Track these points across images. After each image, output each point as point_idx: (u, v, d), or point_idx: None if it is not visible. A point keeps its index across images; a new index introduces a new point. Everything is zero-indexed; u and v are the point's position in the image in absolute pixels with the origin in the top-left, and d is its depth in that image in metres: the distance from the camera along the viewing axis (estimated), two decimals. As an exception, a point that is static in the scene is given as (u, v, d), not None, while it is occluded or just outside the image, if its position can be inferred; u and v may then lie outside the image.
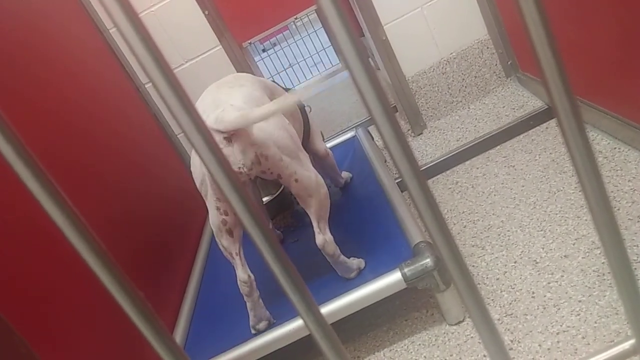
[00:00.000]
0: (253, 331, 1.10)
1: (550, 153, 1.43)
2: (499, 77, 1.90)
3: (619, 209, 1.12)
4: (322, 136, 1.48)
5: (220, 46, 1.90)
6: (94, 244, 0.40)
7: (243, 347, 1.07)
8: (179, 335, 1.23)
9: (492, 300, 1.08)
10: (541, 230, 1.18)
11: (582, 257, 1.06)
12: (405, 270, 1.02)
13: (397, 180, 1.40)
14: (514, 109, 1.73)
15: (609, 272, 1.00)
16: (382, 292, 1.04)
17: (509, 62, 1.87)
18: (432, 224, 0.42)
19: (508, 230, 1.24)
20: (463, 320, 1.07)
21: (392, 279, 1.03)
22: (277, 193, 1.55)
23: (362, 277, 1.09)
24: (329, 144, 1.81)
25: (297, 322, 1.05)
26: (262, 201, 1.52)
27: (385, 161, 1.60)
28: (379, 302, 1.04)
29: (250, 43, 2.11)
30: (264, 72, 3.34)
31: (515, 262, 1.14)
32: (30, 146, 0.37)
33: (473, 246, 1.25)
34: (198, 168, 1.05)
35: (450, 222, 1.38)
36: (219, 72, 1.89)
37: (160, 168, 1.73)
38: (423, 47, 1.84)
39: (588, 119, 1.40)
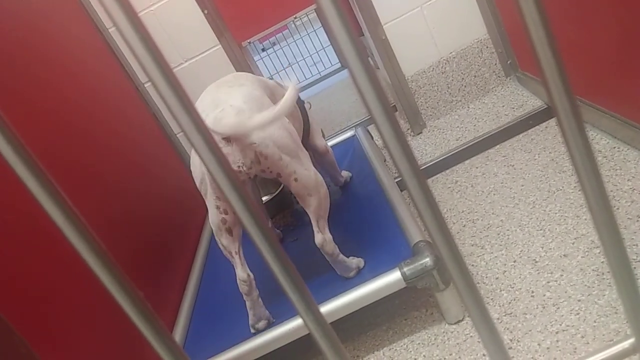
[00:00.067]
0: (252, 330, 1.10)
1: (550, 152, 1.43)
2: (499, 76, 1.90)
3: (618, 208, 1.12)
4: (323, 134, 1.48)
5: (220, 45, 1.90)
6: (93, 244, 0.40)
7: (242, 346, 1.07)
8: (178, 334, 1.23)
9: (492, 299, 1.08)
10: (540, 230, 1.18)
11: (582, 256, 1.06)
12: (405, 269, 1.02)
13: (396, 180, 1.40)
14: (513, 108, 1.73)
15: (608, 271, 1.00)
16: (382, 291, 1.04)
17: (508, 62, 1.87)
18: (432, 223, 0.42)
19: (507, 230, 1.24)
20: (462, 320, 1.07)
21: (391, 278, 1.03)
22: (277, 192, 1.55)
23: (361, 276, 1.09)
24: (329, 144, 1.80)
25: (297, 321, 1.05)
26: (262, 200, 1.52)
27: (385, 160, 1.60)
28: (378, 302, 1.04)
29: (249, 42, 2.11)
30: (264, 71, 3.34)
31: (514, 262, 1.14)
32: (30, 146, 0.37)
33: (472, 245, 1.25)
34: (198, 167, 1.05)
35: (449, 221, 1.38)
36: (219, 71, 1.89)
37: (160, 168, 1.73)
38: (422, 46, 1.84)
39: (588, 118, 1.40)
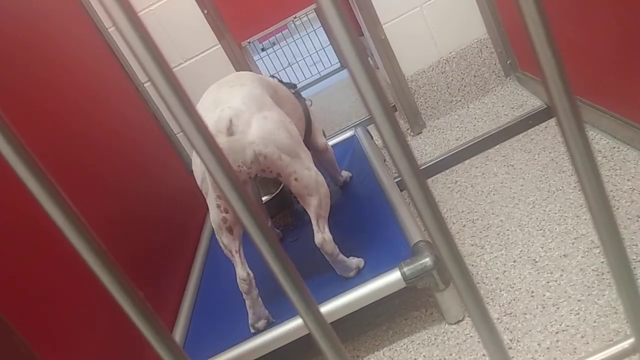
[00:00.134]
0: (252, 330, 1.10)
1: (550, 152, 1.43)
2: (498, 76, 1.90)
3: (618, 208, 1.12)
4: (324, 133, 1.48)
5: (220, 45, 1.90)
6: (94, 244, 0.40)
7: (242, 346, 1.07)
8: (178, 334, 1.23)
9: (492, 299, 1.08)
10: (540, 230, 1.18)
11: (582, 256, 1.06)
12: (405, 269, 1.02)
13: (396, 180, 1.40)
14: (513, 108, 1.73)
15: (608, 271, 1.00)
16: (382, 292, 1.04)
17: (508, 62, 1.87)
18: (432, 223, 0.42)
19: (507, 230, 1.24)
20: (462, 320, 1.07)
21: (391, 278, 1.03)
22: (277, 192, 1.55)
23: (361, 276, 1.09)
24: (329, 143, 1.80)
25: (297, 321, 1.05)
26: (262, 200, 1.52)
27: (385, 160, 1.60)
28: (378, 302, 1.04)
29: (249, 42, 2.11)
30: (263, 71, 3.34)
31: (514, 262, 1.14)
32: (30, 146, 0.37)
33: (472, 245, 1.25)
34: (199, 166, 1.05)
35: (449, 221, 1.38)
36: (218, 71, 1.89)
37: (160, 168, 1.73)
38: (422, 46, 1.84)
39: (587, 118, 1.40)
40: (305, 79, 3.31)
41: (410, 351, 1.07)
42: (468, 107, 1.90)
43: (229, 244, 1.07)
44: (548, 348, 0.92)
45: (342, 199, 1.46)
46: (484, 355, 0.98)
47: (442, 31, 1.83)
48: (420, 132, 1.91)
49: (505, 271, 1.13)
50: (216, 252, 1.52)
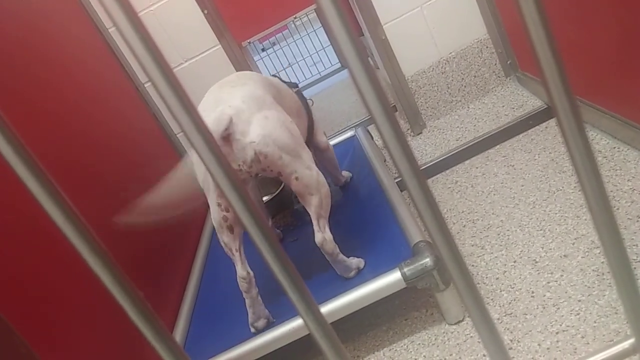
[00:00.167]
0: (252, 329, 1.10)
1: (550, 152, 1.43)
2: (499, 76, 1.90)
3: (618, 209, 1.12)
4: (324, 133, 1.48)
5: (220, 45, 1.90)
6: (94, 244, 0.40)
7: (243, 347, 1.07)
8: (178, 334, 1.23)
9: (492, 299, 1.08)
10: (541, 230, 1.18)
11: (582, 257, 1.06)
12: (405, 269, 1.02)
13: (396, 180, 1.40)
14: (513, 108, 1.73)
15: (608, 272, 1.00)
16: (382, 292, 1.04)
17: (508, 62, 1.87)
18: (432, 223, 0.42)
19: (507, 230, 1.24)
20: (462, 320, 1.07)
21: (391, 278, 1.03)
22: (277, 192, 1.55)
23: (361, 277, 1.09)
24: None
25: (297, 322, 1.05)
26: (262, 200, 1.52)
27: (385, 160, 1.60)
28: (378, 302, 1.04)
29: (249, 42, 2.11)
30: (264, 71, 3.34)
31: (514, 262, 1.14)
32: (30, 146, 0.37)
33: (472, 245, 1.25)
34: (199, 164, 1.05)
35: (449, 221, 1.38)
36: (219, 71, 1.89)
37: (160, 168, 1.73)
38: (422, 46, 1.84)
39: (587, 118, 1.40)
40: (306, 79, 3.31)
41: (411, 351, 1.07)
42: (468, 108, 1.90)
43: (229, 242, 1.07)
44: (548, 348, 0.92)
45: (343, 199, 1.46)
46: (484, 355, 0.98)
47: (442, 31, 1.83)
48: (421, 133, 1.91)
49: (505, 271, 1.13)
50: (216, 253, 1.52)
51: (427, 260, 1.01)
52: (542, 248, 1.13)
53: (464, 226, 1.33)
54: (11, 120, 0.36)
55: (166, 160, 1.83)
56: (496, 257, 1.18)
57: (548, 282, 1.04)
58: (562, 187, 1.28)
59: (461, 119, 1.85)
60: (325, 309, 1.04)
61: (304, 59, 3.39)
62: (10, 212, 0.91)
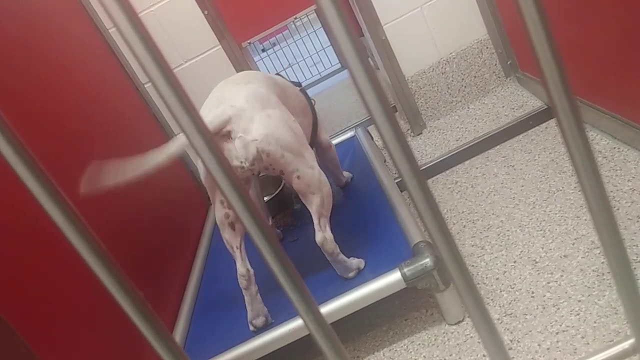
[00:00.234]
0: (250, 327, 1.10)
1: (550, 153, 1.43)
2: (499, 77, 1.90)
3: (618, 209, 1.12)
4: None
5: (220, 46, 1.90)
6: (93, 244, 0.40)
7: (243, 347, 1.07)
8: (178, 334, 1.23)
9: (492, 300, 1.08)
10: (541, 230, 1.18)
11: (582, 257, 1.06)
12: (405, 270, 1.02)
13: (396, 180, 1.40)
14: (513, 108, 1.73)
15: (608, 272, 1.00)
16: (382, 292, 1.04)
17: (508, 62, 1.87)
18: (432, 223, 0.42)
19: (507, 230, 1.24)
20: (462, 320, 1.07)
21: (391, 278, 1.03)
22: (277, 192, 1.55)
23: (361, 277, 1.09)
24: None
25: (297, 322, 1.05)
26: (263, 199, 1.52)
27: (385, 161, 1.60)
28: (378, 302, 1.04)
29: (249, 43, 2.11)
30: (264, 71, 3.34)
31: (514, 262, 1.14)
32: (30, 146, 0.37)
33: (472, 246, 1.25)
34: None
35: (449, 221, 1.38)
36: (219, 72, 1.89)
37: (160, 168, 1.73)
38: (422, 47, 1.84)
39: (587, 118, 1.40)
40: (306, 79, 3.31)
41: (411, 352, 1.07)
42: (468, 108, 1.90)
43: (230, 239, 1.08)
44: (548, 348, 0.92)
45: (343, 200, 1.46)
46: (484, 355, 0.98)
47: (442, 32, 1.83)
48: (421, 133, 1.91)
49: (505, 272, 1.13)
50: (216, 252, 1.52)
51: (427, 261, 1.01)
52: (542, 248, 1.13)
53: (464, 226, 1.33)
54: (11, 120, 0.36)
55: (166, 161, 1.82)
56: (496, 257, 1.18)
57: (548, 283, 1.04)
58: (562, 187, 1.28)
59: (461, 120, 1.85)
60: (325, 309, 1.04)
61: (304, 60, 3.40)
62: (10, 212, 0.91)
